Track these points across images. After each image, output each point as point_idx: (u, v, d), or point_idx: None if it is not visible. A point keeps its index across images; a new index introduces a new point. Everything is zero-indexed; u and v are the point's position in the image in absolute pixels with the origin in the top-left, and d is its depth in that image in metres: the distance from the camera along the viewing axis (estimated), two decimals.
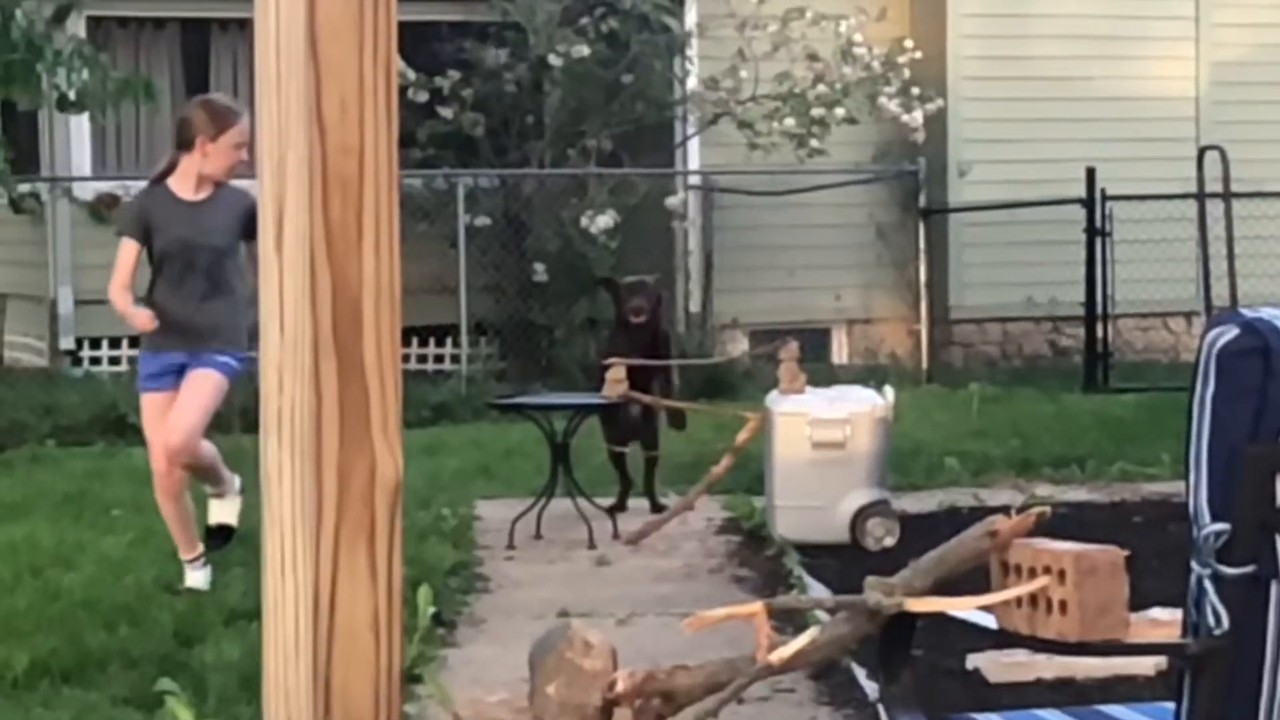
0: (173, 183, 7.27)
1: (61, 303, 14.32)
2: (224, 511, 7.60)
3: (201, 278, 7.17)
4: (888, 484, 8.44)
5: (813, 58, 14.92)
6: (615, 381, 8.71)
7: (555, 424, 8.64)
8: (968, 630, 3.25)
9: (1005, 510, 3.18)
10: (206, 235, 7.17)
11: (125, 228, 7.34)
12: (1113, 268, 14.50)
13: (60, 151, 14.50)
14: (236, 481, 7.62)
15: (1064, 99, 15.58)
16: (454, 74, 14.34)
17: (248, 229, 7.08)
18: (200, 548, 7.36)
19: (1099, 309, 14.45)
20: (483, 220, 14.40)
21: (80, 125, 14.07)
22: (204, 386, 7.14)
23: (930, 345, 15.36)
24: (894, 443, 8.75)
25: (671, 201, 14.84)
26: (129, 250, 7.19)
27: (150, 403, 7.29)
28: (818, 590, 7.13)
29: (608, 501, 8.82)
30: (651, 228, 14.42)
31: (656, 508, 8.94)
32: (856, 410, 8.27)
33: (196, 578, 7.30)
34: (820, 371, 11.32)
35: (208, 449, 7.31)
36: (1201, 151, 14.37)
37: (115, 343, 14.01)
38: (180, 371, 7.19)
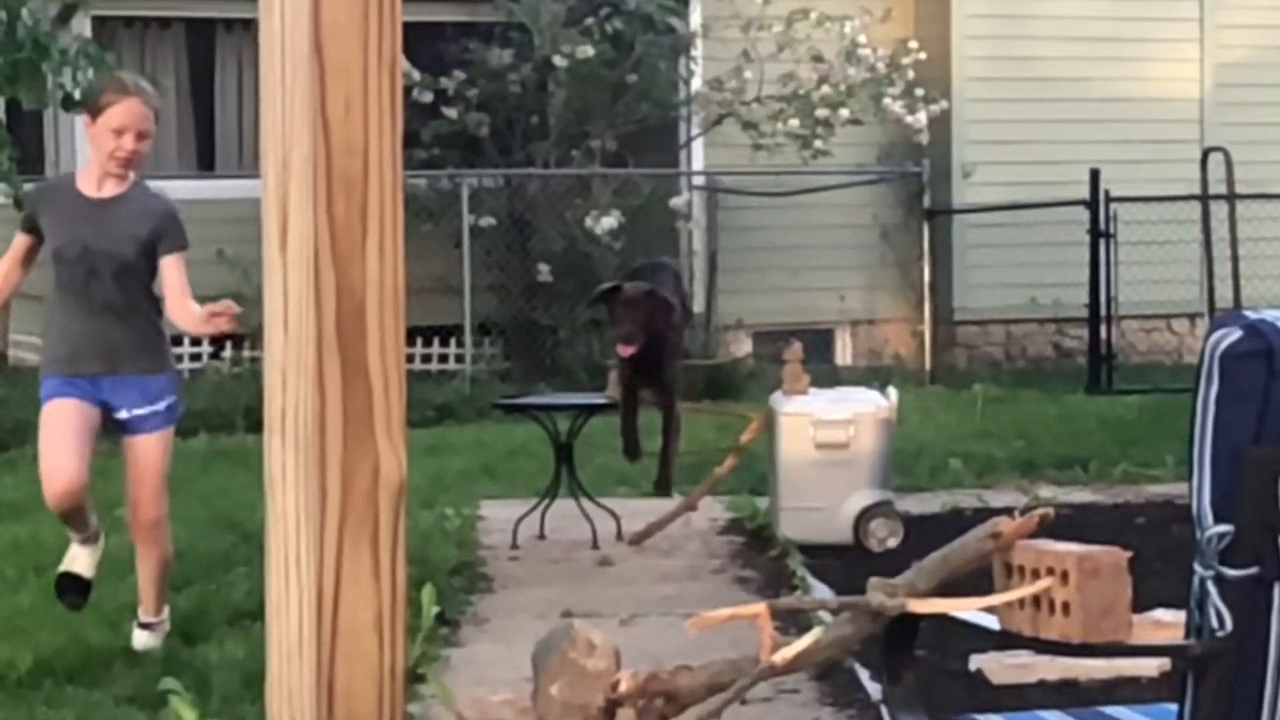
0: (80, 175, 6.30)
1: None
2: (82, 561, 6.51)
3: (112, 289, 6.14)
4: (891, 485, 8.44)
5: (817, 59, 14.92)
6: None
7: (559, 424, 8.63)
8: (971, 631, 3.25)
9: (1009, 512, 3.18)
10: (108, 241, 6.10)
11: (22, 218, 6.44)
12: (1116, 269, 14.49)
13: (65, 151, 14.49)
14: (101, 532, 6.63)
15: (1068, 100, 15.57)
16: (459, 74, 14.34)
17: (160, 241, 6.12)
18: (166, 609, 6.47)
19: (1103, 310, 14.44)
20: (487, 220, 14.40)
21: None
22: (155, 452, 6.28)
23: (934, 346, 15.35)
24: (897, 444, 8.75)
25: (676, 202, 14.83)
26: (15, 244, 6.33)
27: (55, 410, 6.31)
28: (821, 591, 7.12)
29: (612, 502, 8.73)
30: (656, 228, 14.42)
31: (666, 471, 8.86)
32: (860, 411, 8.27)
33: (145, 638, 6.40)
34: (824, 372, 11.31)
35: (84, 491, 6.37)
36: (1205, 153, 14.37)
37: None
38: (94, 384, 6.25)
